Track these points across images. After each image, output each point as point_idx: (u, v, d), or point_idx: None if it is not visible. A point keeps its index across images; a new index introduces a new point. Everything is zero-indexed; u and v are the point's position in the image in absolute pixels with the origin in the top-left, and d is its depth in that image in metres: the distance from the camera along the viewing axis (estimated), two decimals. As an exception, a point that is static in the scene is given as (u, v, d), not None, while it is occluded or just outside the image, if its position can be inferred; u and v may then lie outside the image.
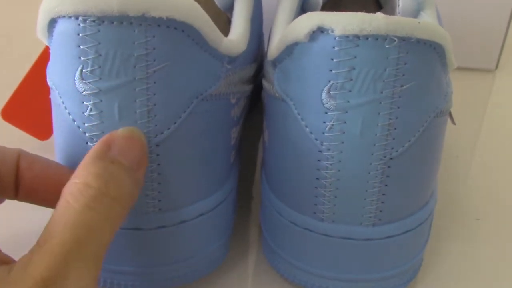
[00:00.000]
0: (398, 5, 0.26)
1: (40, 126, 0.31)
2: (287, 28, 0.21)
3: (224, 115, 0.23)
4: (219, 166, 0.23)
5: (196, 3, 0.20)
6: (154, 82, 0.19)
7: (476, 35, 0.45)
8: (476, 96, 0.43)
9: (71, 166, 0.20)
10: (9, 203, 0.22)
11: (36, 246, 0.17)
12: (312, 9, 0.27)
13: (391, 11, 0.28)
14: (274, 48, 0.22)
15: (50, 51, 0.20)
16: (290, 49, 0.21)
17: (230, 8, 0.27)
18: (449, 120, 0.26)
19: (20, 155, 0.21)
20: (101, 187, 0.18)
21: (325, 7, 0.29)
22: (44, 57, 0.30)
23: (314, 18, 0.19)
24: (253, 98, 0.30)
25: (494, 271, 0.27)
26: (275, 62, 0.22)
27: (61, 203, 0.18)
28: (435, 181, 0.24)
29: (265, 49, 0.31)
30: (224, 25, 0.28)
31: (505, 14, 0.44)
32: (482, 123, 0.40)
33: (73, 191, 0.18)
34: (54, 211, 0.18)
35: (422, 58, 0.20)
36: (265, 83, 0.24)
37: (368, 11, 0.20)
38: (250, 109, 0.31)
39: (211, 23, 0.20)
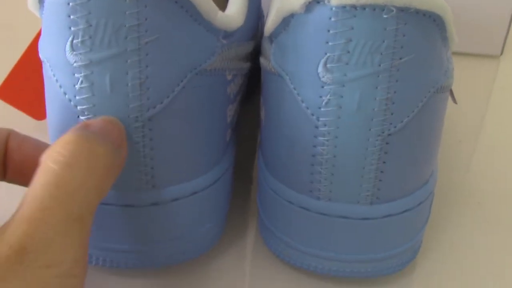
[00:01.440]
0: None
1: (36, 106, 0.31)
2: (283, 0, 0.20)
3: (220, 92, 0.22)
4: (214, 144, 0.23)
5: (190, -27, 0.19)
6: (147, 54, 0.19)
7: (481, 21, 0.44)
8: (480, 82, 0.42)
9: None
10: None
11: (13, 215, 0.16)
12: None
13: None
14: (270, 22, 0.21)
15: (42, 23, 0.20)
16: (286, 21, 0.20)
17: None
18: (451, 100, 0.25)
19: (9, 135, 0.21)
20: (81, 143, 0.17)
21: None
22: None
23: (310, -12, 0.19)
24: (254, 79, 0.29)
25: (495, 256, 0.26)
26: (272, 37, 0.22)
27: (40, 167, 0.17)
28: (435, 160, 0.23)
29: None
30: (223, 2, 0.27)
31: (510, 0, 0.43)
32: (487, 109, 0.39)
33: (52, 153, 0.17)
34: (33, 178, 0.17)
35: (422, 30, 0.19)
36: (262, 60, 0.23)
37: None
38: (251, 90, 0.31)
39: (206, -6, 0.20)
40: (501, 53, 0.45)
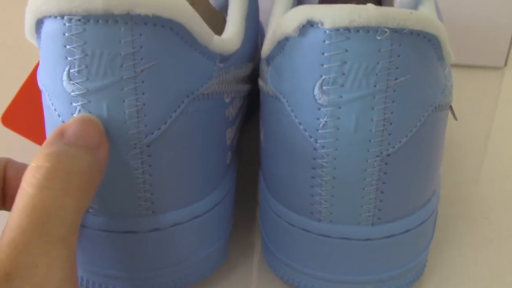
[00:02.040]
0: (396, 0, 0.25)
1: (41, 132, 0.31)
2: (277, 23, 0.20)
3: (218, 115, 0.22)
4: (213, 167, 0.23)
5: (183, 0, 0.19)
6: (143, 82, 0.19)
7: (484, 33, 0.44)
8: (485, 94, 0.42)
9: None
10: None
11: None
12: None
13: (389, 6, 0.28)
14: (266, 45, 0.22)
15: (40, 53, 0.20)
16: (281, 45, 0.20)
17: (225, 7, 0.26)
18: (451, 115, 0.25)
19: (7, 163, 0.21)
20: (54, 164, 0.17)
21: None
22: (42, 62, 0.30)
23: (303, 12, 0.19)
24: (254, 99, 0.29)
25: (502, 272, 0.26)
26: (268, 60, 0.22)
27: (18, 192, 0.17)
28: (437, 178, 0.23)
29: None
30: (221, 24, 0.27)
31: (513, 10, 0.43)
32: (492, 121, 0.39)
33: (26, 176, 0.17)
34: (14, 203, 0.17)
35: (416, 50, 0.19)
36: (260, 82, 0.23)
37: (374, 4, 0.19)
38: (251, 110, 0.31)
39: (200, 20, 0.20)
40: (505, 64, 0.45)
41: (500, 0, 0.42)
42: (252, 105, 0.29)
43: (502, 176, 0.32)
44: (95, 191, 0.18)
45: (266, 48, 0.21)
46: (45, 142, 0.18)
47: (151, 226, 0.21)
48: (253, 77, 0.27)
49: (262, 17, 0.30)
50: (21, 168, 0.21)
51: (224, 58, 0.22)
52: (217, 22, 0.28)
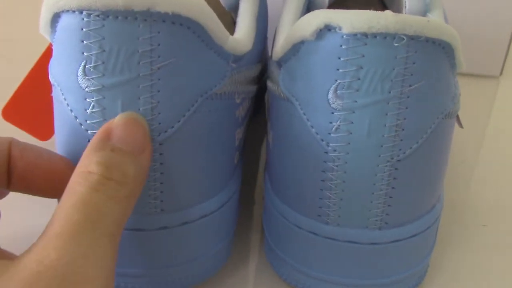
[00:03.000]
0: (405, 7, 0.26)
1: (41, 127, 0.31)
2: (294, 26, 0.20)
3: (229, 115, 0.22)
4: (223, 167, 0.23)
5: (202, 0, 0.19)
6: (159, 79, 0.19)
7: (480, 41, 0.44)
8: (480, 102, 0.43)
9: (73, 164, 0.20)
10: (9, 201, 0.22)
11: (41, 236, 0.16)
12: (318, 9, 0.26)
13: (397, 12, 0.28)
14: (279, 47, 0.22)
15: (53, 47, 0.20)
16: (296, 48, 0.20)
17: (235, 8, 0.26)
18: (456, 123, 0.25)
19: (11, 143, 0.20)
20: (104, 173, 0.17)
21: (330, 8, 0.28)
22: (46, 56, 0.30)
23: (321, 16, 0.19)
24: (257, 100, 0.29)
25: (501, 278, 0.26)
26: (280, 62, 0.22)
27: (66, 190, 0.17)
28: (442, 185, 0.24)
29: (269, 51, 0.31)
30: (229, 25, 0.27)
31: (509, 20, 0.43)
32: (487, 129, 0.39)
33: (77, 178, 0.17)
34: (60, 201, 0.17)
35: (431, 58, 0.19)
36: (269, 84, 0.23)
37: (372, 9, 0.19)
38: (255, 110, 0.31)
39: (217, 20, 0.20)
40: (501, 74, 0.46)
41: (495, 10, 0.43)
42: (255, 106, 0.30)
43: (498, 184, 0.33)
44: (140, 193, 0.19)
45: (279, 50, 0.22)
46: (92, 143, 0.18)
47: (159, 224, 0.21)
48: (259, 78, 0.27)
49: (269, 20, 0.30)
50: (26, 148, 0.20)
51: (237, 59, 0.22)
52: (226, 22, 0.28)
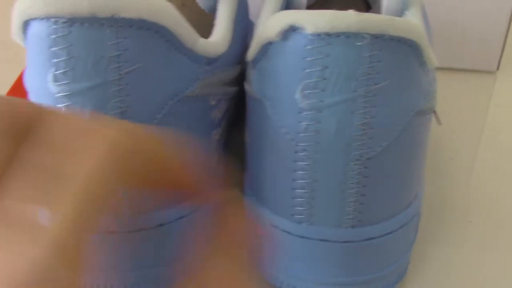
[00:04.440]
0: (383, 5, 0.26)
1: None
2: (261, 27, 0.20)
3: (203, 117, 0.23)
4: (199, 168, 0.23)
5: (169, 4, 0.20)
6: (127, 84, 0.19)
7: (476, 37, 0.44)
8: (477, 98, 0.42)
9: None
10: None
11: None
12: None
13: (378, 11, 0.28)
14: (251, 49, 0.22)
15: (26, 54, 0.20)
16: (265, 48, 0.21)
17: (213, 9, 0.27)
18: (435, 120, 0.25)
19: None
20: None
21: (311, 9, 0.28)
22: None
23: (285, 17, 0.19)
24: (244, 102, 0.30)
25: (486, 274, 0.26)
26: (254, 63, 0.22)
27: None
28: (419, 182, 0.24)
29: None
30: (210, 26, 0.27)
31: (505, 15, 0.43)
32: (483, 125, 0.39)
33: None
34: None
35: (397, 56, 0.19)
36: (245, 85, 0.24)
37: (356, 11, 0.19)
38: (241, 115, 0.31)
39: (185, 23, 0.20)
40: (498, 68, 0.45)
41: (491, 4, 0.43)
42: (241, 107, 0.30)
43: (490, 180, 0.32)
44: None
45: (251, 51, 0.22)
46: None
47: (135, 227, 0.21)
48: (242, 79, 0.27)
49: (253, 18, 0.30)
50: None
51: (211, 61, 0.22)
52: (207, 24, 0.28)
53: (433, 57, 0.21)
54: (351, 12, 0.18)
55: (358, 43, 0.18)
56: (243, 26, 0.28)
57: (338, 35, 0.18)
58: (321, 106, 0.19)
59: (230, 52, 0.25)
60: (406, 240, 0.23)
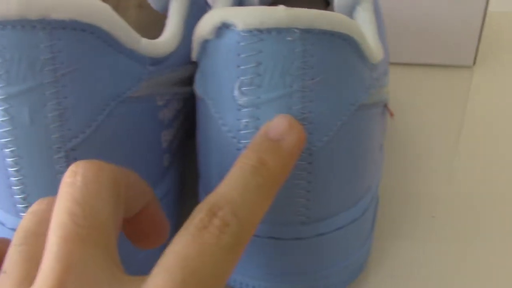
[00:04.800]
0: (334, 0, 0.26)
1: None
2: (197, 26, 0.20)
3: (150, 118, 0.23)
4: (147, 169, 0.23)
5: (104, 4, 0.20)
6: (64, 86, 0.19)
7: (452, 32, 0.44)
8: (454, 93, 0.42)
9: None
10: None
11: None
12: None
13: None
14: (193, 48, 0.22)
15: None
16: (204, 47, 0.21)
17: (165, 9, 0.27)
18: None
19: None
20: None
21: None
22: None
23: (217, 14, 0.19)
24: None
25: (449, 269, 0.26)
26: (197, 62, 0.22)
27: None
28: (371, 175, 0.23)
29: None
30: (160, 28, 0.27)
31: (480, 10, 0.43)
32: (461, 120, 0.39)
33: None
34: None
35: (332, 50, 0.19)
36: (193, 84, 0.24)
37: (315, 8, 0.19)
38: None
39: (123, 23, 0.20)
40: (474, 63, 0.45)
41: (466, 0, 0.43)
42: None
43: (464, 176, 0.32)
44: None
45: (193, 51, 0.22)
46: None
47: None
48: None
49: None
50: None
51: (156, 61, 0.22)
52: (162, 25, 0.28)
53: (375, 50, 0.21)
54: (280, 8, 0.18)
55: (289, 38, 0.18)
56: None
57: (269, 31, 0.18)
58: (258, 103, 0.19)
59: (180, 52, 0.25)
60: (360, 235, 0.23)
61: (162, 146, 0.24)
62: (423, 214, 0.29)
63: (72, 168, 0.17)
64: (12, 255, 0.16)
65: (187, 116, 0.27)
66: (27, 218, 0.17)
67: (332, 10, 0.28)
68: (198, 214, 0.16)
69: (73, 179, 0.17)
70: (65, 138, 0.20)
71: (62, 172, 0.20)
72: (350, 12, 0.25)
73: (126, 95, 0.21)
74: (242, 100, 0.20)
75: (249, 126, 0.20)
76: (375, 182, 0.24)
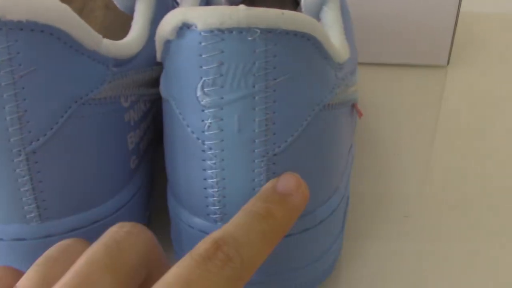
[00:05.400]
0: (301, 1, 0.26)
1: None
2: (159, 26, 0.20)
3: (115, 119, 0.22)
4: (113, 172, 0.23)
5: (63, 5, 0.19)
6: (23, 88, 0.19)
7: (425, 32, 0.44)
8: (429, 93, 0.42)
9: None
10: None
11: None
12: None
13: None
14: (157, 49, 0.22)
15: None
16: (166, 47, 0.20)
17: (131, 10, 0.26)
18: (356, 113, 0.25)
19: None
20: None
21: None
22: None
23: (178, 14, 0.19)
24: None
25: (421, 269, 0.26)
26: (162, 63, 0.22)
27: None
28: (339, 176, 0.23)
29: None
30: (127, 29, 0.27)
31: (453, 9, 0.43)
32: (436, 120, 0.39)
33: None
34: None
35: (295, 50, 0.19)
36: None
37: (285, 9, 0.19)
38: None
39: (84, 24, 0.20)
40: (448, 63, 0.45)
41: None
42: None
43: (437, 176, 0.32)
44: None
45: (157, 51, 0.21)
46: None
47: (43, 233, 0.21)
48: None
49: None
50: None
51: (120, 62, 0.22)
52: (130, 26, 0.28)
53: (342, 50, 0.21)
54: (241, 7, 0.18)
55: (250, 38, 0.18)
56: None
57: (231, 30, 0.18)
58: (221, 103, 0.19)
59: (146, 53, 0.24)
60: (328, 235, 0.23)
61: (129, 148, 0.23)
62: (395, 214, 0.29)
63: (120, 223, 0.18)
64: (28, 273, 0.17)
65: (155, 118, 0.27)
66: (52, 248, 0.18)
67: (300, 10, 0.28)
68: (204, 245, 0.17)
69: (118, 229, 0.18)
70: (25, 141, 0.19)
71: (24, 176, 0.20)
72: (317, 12, 0.25)
73: (89, 96, 0.21)
74: (205, 100, 0.19)
75: (212, 127, 0.20)
76: (343, 182, 0.24)
